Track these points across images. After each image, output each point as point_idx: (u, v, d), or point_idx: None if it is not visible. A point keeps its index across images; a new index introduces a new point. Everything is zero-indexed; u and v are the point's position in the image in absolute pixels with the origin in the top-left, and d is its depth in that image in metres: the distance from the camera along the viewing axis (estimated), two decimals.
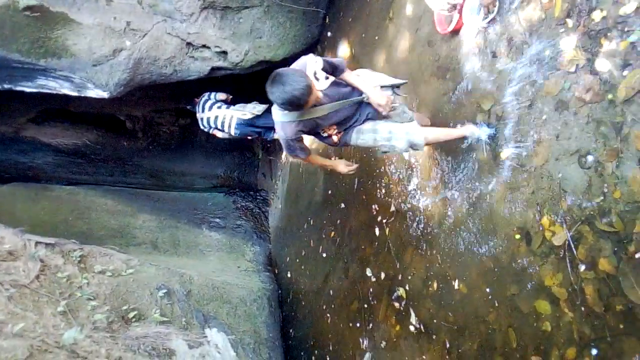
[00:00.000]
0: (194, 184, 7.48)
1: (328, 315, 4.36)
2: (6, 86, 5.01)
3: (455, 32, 2.90)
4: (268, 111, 5.44)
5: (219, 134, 5.52)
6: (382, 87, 2.62)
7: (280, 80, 2.13)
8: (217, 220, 6.75)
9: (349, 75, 2.52)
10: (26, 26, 4.31)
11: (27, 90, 5.06)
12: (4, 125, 6.93)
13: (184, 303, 5.05)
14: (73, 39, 4.49)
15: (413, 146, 2.60)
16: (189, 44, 4.94)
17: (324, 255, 4.67)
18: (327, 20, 5.25)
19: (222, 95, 5.55)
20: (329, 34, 5.18)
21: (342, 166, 2.84)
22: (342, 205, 4.41)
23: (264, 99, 5.64)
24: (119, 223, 6.24)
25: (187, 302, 5.09)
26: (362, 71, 2.78)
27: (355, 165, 2.86)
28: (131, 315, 4.55)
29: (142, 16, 4.66)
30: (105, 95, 4.86)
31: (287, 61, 5.43)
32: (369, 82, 2.57)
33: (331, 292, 4.40)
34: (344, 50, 4.78)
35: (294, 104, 2.20)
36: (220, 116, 5.35)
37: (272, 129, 5.54)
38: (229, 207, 7.10)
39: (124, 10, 4.59)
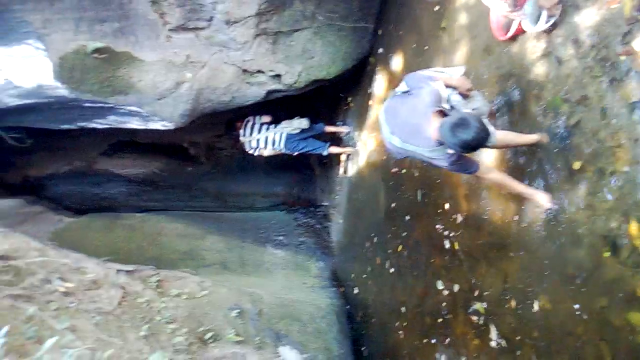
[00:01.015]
0: (256, 204, 7.67)
1: (401, 331, 4.29)
2: (80, 124, 5.40)
3: (515, 37, 2.81)
4: (313, 123, 5.97)
5: (266, 152, 5.96)
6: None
7: (462, 127, 2.22)
8: (281, 237, 6.87)
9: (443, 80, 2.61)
10: (95, 68, 4.62)
11: (99, 126, 5.42)
12: (78, 160, 7.45)
13: (256, 322, 5.15)
14: (138, 76, 4.76)
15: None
16: (244, 70, 5.10)
17: (392, 270, 4.62)
18: (377, 35, 5.25)
19: (266, 118, 5.95)
20: (379, 48, 5.18)
21: (543, 199, 2.52)
22: (407, 218, 4.35)
23: (304, 114, 5.98)
24: (188, 246, 6.49)
25: (259, 321, 5.18)
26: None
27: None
28: (208, 336, 4.69)
29: (200, 49, 4.87)
30: (170, 126, 5.12)
31: (340, 78, 5.53)
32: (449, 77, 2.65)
33: (402, 307, 4.33)
34: (397, 62, 4.76)
35: (474, 148, 2.31)
36: (270, 137, 5.81)
37: (319, 141, 6.03)
38: (290, 224, 7.20)
39: (183, 44, 4.81)
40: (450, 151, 2.38)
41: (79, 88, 4.56)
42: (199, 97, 5.08)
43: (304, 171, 7.91)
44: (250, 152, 6.01)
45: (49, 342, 3.14)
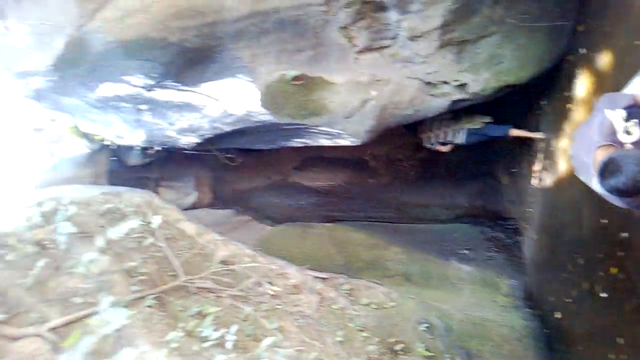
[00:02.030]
0: (438, 215, 7.53)
1: None
2: (280, 144, 6.03)
3: None
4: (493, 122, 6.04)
5: (443, 148, 6.33)
6: None
7: (610, 169, 1.95)
8: (466, 252, 6.61)
9: None
10: (293, 94, 5.10)
11: (295, 145, 5.98)
12: (275, 174, 8.32)
13: (445, 338, 5.05)
14: (329, 98, 5.11)
15: None
16: (428, 83, 5.10)
17: (603, 295, 4.07)
18: (576, 32, 4.74)
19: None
20: (580, 47, 4.66)
21: None
22: (625, 235, 3.79)
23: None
24: (372, 256, 6.69)
25: (448, 337, 5.07)
26: None
27: None
28: (398, 347, 4.77)
29: (384, 66, 5.03)
30: (357, 142, 5.38)
31: (531, 82, 5.14)
32: None
33: (619, 338, 3.78)
34: (602, 61, 4.22)
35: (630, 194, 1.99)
36: (450, 132, 6.15)
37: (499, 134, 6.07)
38: (477, 237, 6.89)
39: (369, 64, 5.03)
40: None
41: (280, 112, 5.09)
42: (383, 113, 5.23)
43: (489, 181, 7.51)
44: (428, 146, 6.47)
45: (267, 341, 3.56)
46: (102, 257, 3.81)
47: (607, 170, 1.94)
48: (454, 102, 5.25)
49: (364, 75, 5.07)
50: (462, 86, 5.12)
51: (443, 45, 4.87)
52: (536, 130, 5.82)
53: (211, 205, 7.80)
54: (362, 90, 5.10)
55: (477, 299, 5.92)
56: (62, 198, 4.29)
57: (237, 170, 7.66)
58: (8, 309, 3.45)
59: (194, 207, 7.61)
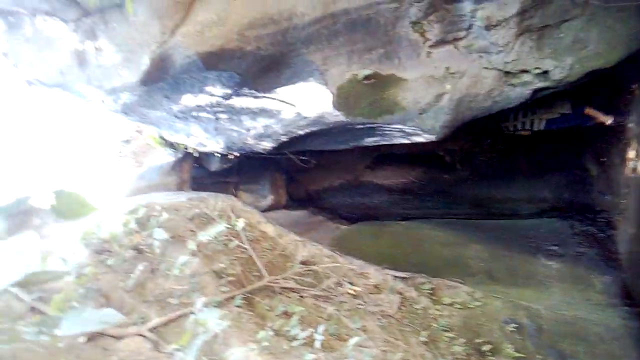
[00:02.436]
0: (520, 210, 7.20)
1: None
2: (353, 144, 6.04)
3: None
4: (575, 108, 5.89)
5: (525, 132, 6.37)
6: None
7: None
8: (554, 247, 6.26)
9: None
10: (365, 93, 5.09)
11: (367, 144, 5.96)
12: (348, 174, 8.35)
13: (535, 339, 4.82)
14: (401, 95, 5.04)
15: None
16: (507, 72, 4.88)
17: None
18: None
19: None
20: None
21: None
22: None
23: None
24: (451, 254, 6.52)
25: (539, 337, 4.84)
26: None
27: None
28: (485, 348, 4.62)
29: (459, 59, 4.87)
30: (432, 138, 5.27)
31: (620, 66, 4.77)
32: None
33: None
34: None
35: None
36: (527, 122, 6.20)
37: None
38: (565, 232, 6.50)
39: (442, 57, 4.90)
40: None
41: (353, 113, 5.10)
42: (459, 107, 5.07)
43: (575, 172, 7.05)
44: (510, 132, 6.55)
45: (353, 340, 3.59)
46: (194, 260, 4.01)
47: None
48: (535, 91, 4.98)
49: (437, 70, 4.95)
50: (543, 74, 4.84)
51: (522, 33, 4.63)
52: (622, 114, 5.44)
53: (286, 207, 7.99)
54: (436, 84, 4.98)
55: (568, 297, 5.60)
56: (153, 205, 4.58)
57: (310, 171, 7.78)
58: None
59: (270, 208, 7.83)
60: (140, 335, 3.52)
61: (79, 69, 4.92)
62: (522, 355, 4.53)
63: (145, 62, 4.55)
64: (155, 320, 3.61)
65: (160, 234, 4.08)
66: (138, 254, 4.14)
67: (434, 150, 7.67)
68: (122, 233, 4.31)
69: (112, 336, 3.59)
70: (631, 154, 5.37)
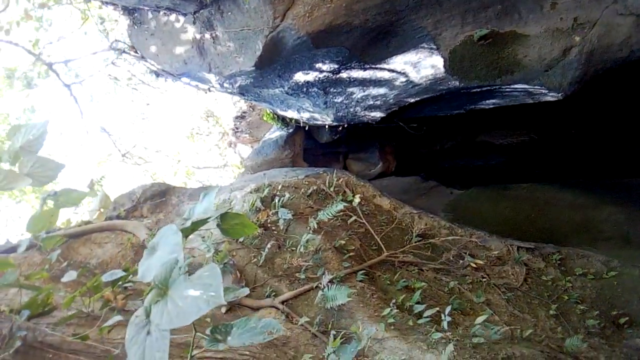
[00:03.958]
0: None
1: None
2: (469, 107, 5.75)
3: None
4: None
5: None
6: None
7: None
8: None
9: None
10: (481, 54, 4.77)
11: (485, 107, 5.63)
12: (459, 135, 7.99)
13: None
14: (523, 52, 4.64)
15: None
16: None
17: None
18: None
19: None
20: None
21: None
22: None
23: None
24: (581, 217, 6.04)
25: None
26: None
27: None
28: (622, 321, 4.32)
29: (588, 7, 4.33)
30: (560, 97, 4.82)
31: None
32: None
33: None
34: None
35: None
36: None
37: None
38: None
39: (569, 8, 4.39)
40: None
41: (468, 76, 4.83)
42: (590, 61, 4.55)
43: None
44: None
45: (480, 318, 3.55)
46: (316, 237, 4.21)
47: None
48: None
49: (564, 21, 4.45)
50: None
51: None
52: None
53: (396, 173, 7.92)
54: (563, 37, 4.49)
55: None
56: (275, 184, 4.84)
57: (419, 136, 7.58)
58: (247, 283, 4.09)
59: (380, 176, 7.84)
60: (274, 307, 3.83)
61: (200, 58, 5.25)
62: None
63: (259, 48, 4.70)
64: (286, 294, 3.90)
65: (285, 213, 4.32)
66: (265, 231, 4.46)
67: (553, 106, 7.00)
68: (249, 211, 4.65)
69: (249, 307, 3.95)
70: None
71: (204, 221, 1.63)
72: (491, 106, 5.50)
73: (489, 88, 5.02)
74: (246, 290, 2.83)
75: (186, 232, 1.62)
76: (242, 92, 5.97)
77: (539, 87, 4.83)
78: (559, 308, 4.38)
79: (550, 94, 4.86)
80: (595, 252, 4.94)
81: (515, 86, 4.92)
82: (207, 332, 1.55)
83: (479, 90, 5.11)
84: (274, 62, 4.94)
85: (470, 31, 4.64)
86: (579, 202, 6.18)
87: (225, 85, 5.80)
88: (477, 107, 5.63)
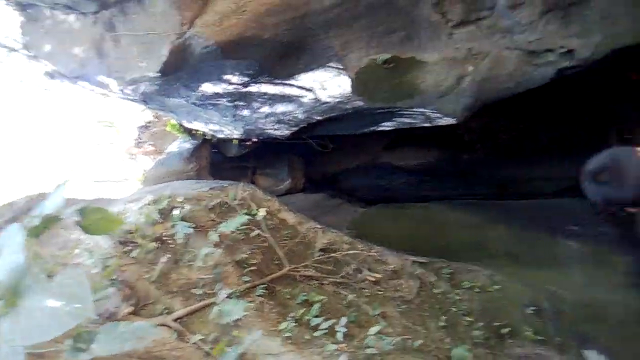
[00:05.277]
0: (542, 189, 7.10)
1: None
2: (371, 129, 6.00)
3: None
4: None
5: None
6: None
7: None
8: (576, 228, 6.19)
9: None
10: (384, 77, 5.01)
11: (386, 129, 5.91)
12: (365, 155, 8.30)
13: (556, 322, 4.82)
14: (422, 78, 4.95)
15: None
16: (530, 52, 4.74)
17: None
18: None
19: None
20: None
21: None
22: None
23: None
24: (472, 236, 6.49)
25: (559, 320, 4.84)
26: None
27: None
28: (504, 331, 4.65)
29: (481, 39, 4.75)
30: (453, 121, 5.20)
31: None
32: None
33: None
34: None
35: None
36: None
37: None
38: (586, 212, 6.41)
39: (464, 38, 4.78)
40: None
41: (372, 97, 5.05)
42: (481, 89, 4.98)
43: (598, 150, 6.89)
44: None
45: (374, 329, 3.64)
46: (216, 250, 4.09)
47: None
48: (560, 70, 4.85)
49: (459, 51, 4.83)
50: (568, 53, 4.70)
51: (547, 11, 4.48)
52: None
53: (304, 190, 8.01)
54: (458, 66, 4.87)
55: (590, 279, 5.57)
56: (176, 195, 4.65)
57: (327, 154, 7.75)
58: (137, 301, 3.85)
59: (288, 192, 7.86)
60: (165, 325, 3.63)
61: (99, 61, 4.95)
62: (542, 338, 4.55)
63: (164, 53, 4.55)
64: (179, 311, 3.72)
65: (183, 226, 4.15)
66: (161, 245, 4.24)
67: (453, 130, 7.55)
68: (145, 224, 4.40)
69: None
70: None
71: (57, 218, 1.48)
72: (393, 127, 5.77)
73: (390, 110, 5.28)
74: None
75: (36, 231, 1.46)
76: (146, 100, 5.71)
77: (435, 112, 5.18)
78: (448, 320, 4.62)
79: (445, 118, 5.22)
80: (481, 267, 5.31)
81: (415, 110, 5.23)
82: (68, 341, 1.39)
83: (382, 111, 5.36)
84: (180, 69, 4.80)
85: (374, 54, 4.86)
86: (470, 221, 6.64)
87: (127, 91, 5.52)
88: (379, 128, 5.88)
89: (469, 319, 4.73)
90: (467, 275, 5.21)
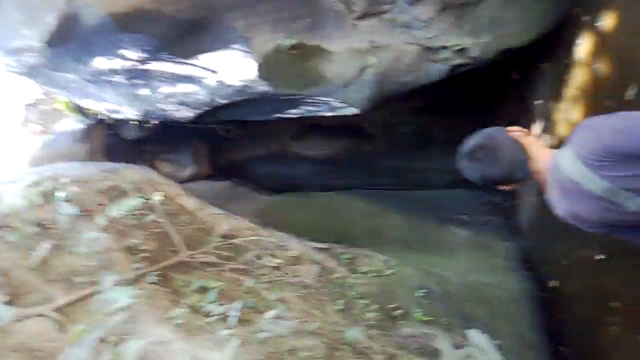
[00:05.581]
0: (433, 181, 7.57)
1: (613, 327, 3.85)
2: (277, 115, 5.97)
3: None
4: None
5: None
6: None
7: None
8: (463, 216, 6.68)
9: None
10: (290, 63, 5.01)
11: (293, 116, 5.92)
12: (273, 144, 8.28)
13: (443, 303, 5.16)
14: (326, 67, 5.02)
15: None
16: (427, 48, 5.01)
17: (600, 257, 4.15)
18: None
19: None
20: (581, 6, 4.57)
21: None
22: None
23: None
24: (371, 224, 6.75)
25: (446, 302, 5.19)
26: None
27: None
28: (396, 313, 4.88)
29: (383, 32, 4.93)
30: (356, 111, 5.34)
31: (535, 45, 5.06)
32: None
33: (614, 298, 3.87)
34: (604, 22, 4.13)
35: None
36: None
37: None
38: (474, 202, 6.95)
39: (367, 30, 4.92)
40: None
41: (277, 83, 5.02)
42: (383, 81, 5.16)
43: None
44: None
45: (270, 313, 3.64)
46: (104, 236, 3.83)
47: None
48: (454, 67, 5.17)
49: (362, 42, 4.97)
50: (462, 51, 5.04)
51: (443, 9, 4.77)
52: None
53: (209, 177, 7.80)
54: (361, 57, 5.01)
55: (475, 263, 6.03)
56: (60, 177, 4.28)
57: (234, 141, 7.62)
58: (12, 290, 3.49)
59: (191, 179, 7.61)
60: (44, 315, 3.34)
61: None
62: (430, 318, 4.82)
63: (51, 22, 4.14)
64: (60, 300, 3.43)
65: (67, 209, 3.83)
66: (42, 230, 3.88)
67: (357, 122, 7.78)
68: (24, 207, 4.00)
69: (12, 317, 3.37)
70: (536, 128, 5.79)
71: None
72: (298, 115, 5.80)
73: (296, 97, 5.29)
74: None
75: None
76: (32, 73, 5.19)
77: (339, 101, 5.28)
78: (345, 303, 4.74)
79: (348, 108, 5.35)
80: (378, 252, 5.52)
81: (319, 98, 5.29)
82: None
83: (287, 98, 5.35)
84: (69, 41, 4.41)
85: (281, 39, 4.83)
86: (370, 210, 6.89)
87: (10, 62, 4.97)
88: (285, 115, 5.88)
89: (364, 301, 4.90)
90: (365, 260, 5.40)
